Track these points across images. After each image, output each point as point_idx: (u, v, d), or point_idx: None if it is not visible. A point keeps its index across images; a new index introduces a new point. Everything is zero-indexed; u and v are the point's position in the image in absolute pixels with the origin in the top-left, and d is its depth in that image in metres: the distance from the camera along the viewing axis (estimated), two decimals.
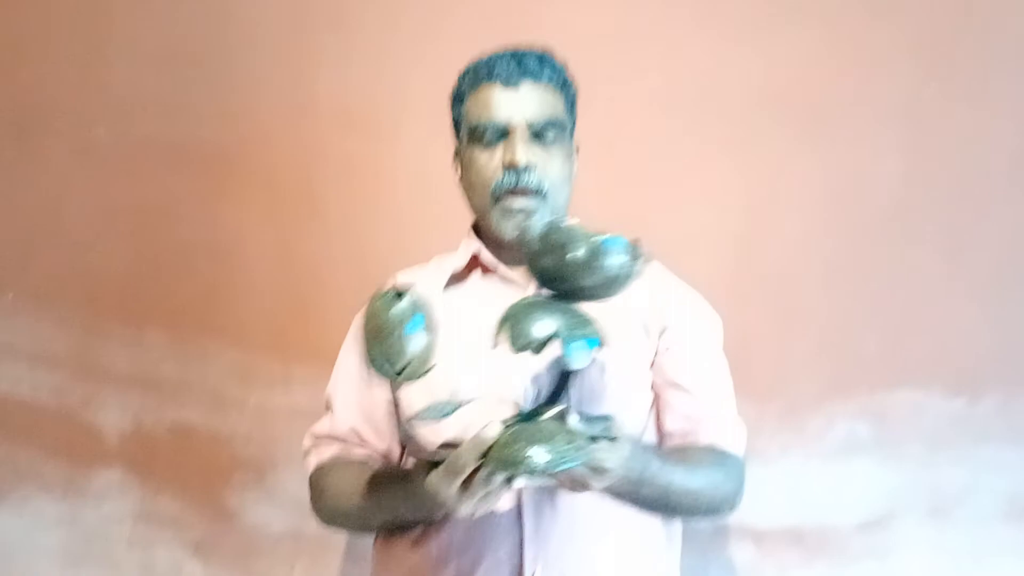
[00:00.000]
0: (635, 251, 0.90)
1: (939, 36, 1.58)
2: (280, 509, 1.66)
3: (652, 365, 1.17)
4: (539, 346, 0.89)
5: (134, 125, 1.74)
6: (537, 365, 1.05)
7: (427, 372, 0.91)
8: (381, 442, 1.21)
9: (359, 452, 1.21)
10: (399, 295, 0.91)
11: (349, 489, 1.14)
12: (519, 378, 1.08)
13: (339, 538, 1.63)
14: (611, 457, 0.90)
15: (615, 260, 0.89)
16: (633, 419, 1.12)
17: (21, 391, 1.72)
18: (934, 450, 1.55)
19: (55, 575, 1.70)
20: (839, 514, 1.56)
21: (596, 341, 0.90)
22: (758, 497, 1.43)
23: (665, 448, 1.16)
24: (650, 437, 1.18)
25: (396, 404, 1.19)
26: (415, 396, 1.12)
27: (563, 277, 0.91)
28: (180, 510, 1.68)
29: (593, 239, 0.89)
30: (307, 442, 1.26)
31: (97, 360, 1.71)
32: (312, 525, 1.58)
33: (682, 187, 1.63)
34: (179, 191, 1.73)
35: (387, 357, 0.89)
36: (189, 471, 1.68)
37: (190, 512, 1.68)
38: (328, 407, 1.25)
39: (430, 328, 0.91)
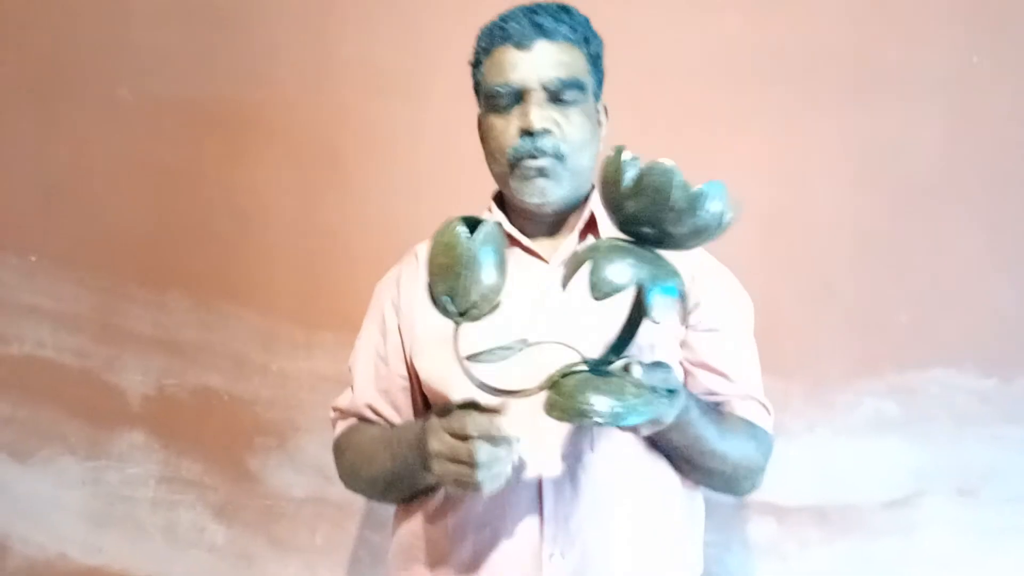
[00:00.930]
0: (732, 201, 0.83)
1: (986, 8, 1.53)
2: (302, 474, 1.66)
3: (682, 344, 1.14)
4: (615, 292, 0.81)
5: (157, 86, 1.72)
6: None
7: (492, 311, 0.87)
8: (399, 417, 1.20)
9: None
10: (471, 227, 0.86)
11: (368, 447, 1.15)
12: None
13: (360, 504, 1.64)
14: (671, 412, 0.91)
15: (714, 208, 0.81)
16: None
17: (45, 352, 1.72)
18: (963, 429, 1.54)
19: (79, 535, 1.71)
20: (864, 492, 1.55)
21: (678, 291, 0.85)
22: (782, 473, 1.42)
23: (706, 403, 1.13)
24: None
25: (411, 378, 1.18)
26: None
27: (654, 222, 0.83)
28: (202, 473, 1.69)
29: (691, 186, 0.81)
30: (332, 415, 1.27)
31: (120, 322, 1.71)
32: (334, 491, 1.63)
33: (710, 156, 1.59)
34: (202, 153, 1.71)
35: (453, 295, 0.85)
36: (211, 435, 1.69)
37: (212, 475, 1.69)
38: (350, 380, 1.24)
39: (500, 266, 0.87)
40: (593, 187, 1.20)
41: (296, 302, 1.67)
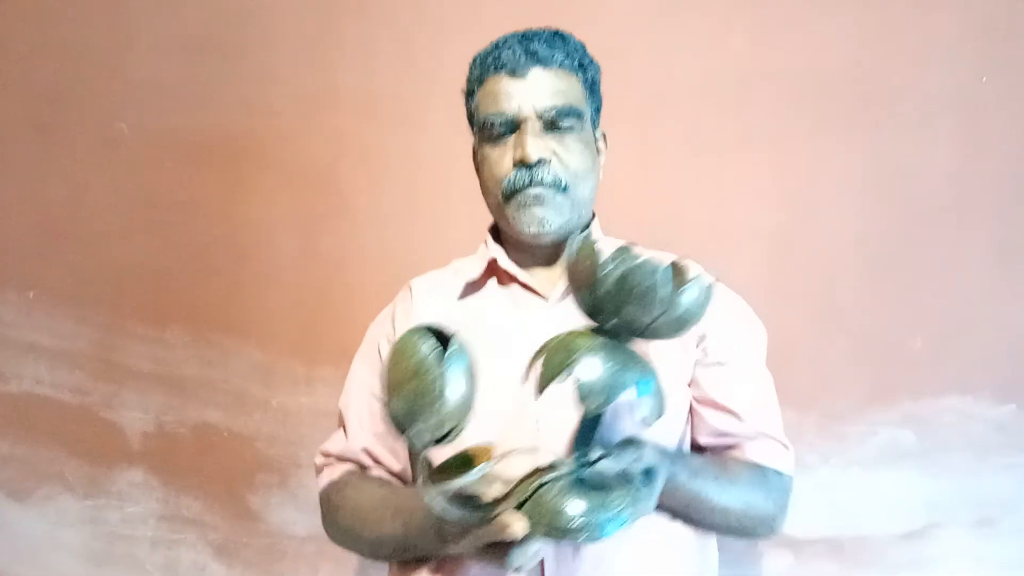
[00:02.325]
0: (710, 285, 0.77)
1: (995, 27, 1.51)
2: (303, 512, 1.63)
3: (691, 382, 1.10)
4: (607, 402, 0.76)
5: (156, 118, 1.71)
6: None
7: (459, 434, 0.78)
8: (396, 462, 1.14)
9: (373, 473, 1.14)
10: (435, 337, 0.77)
11: (370, 509, 1.06)
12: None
13: None
14: (650, 499, 0.85)
15: (699, 297, 0.76)
16: (664, 443, 1.03)
17: (43, 389, 1.70)
18: (981, 459, 1.50)
19: (78, 575, 1.68)
20: (880, 524, 1.51)
21: (651, 386, 0.79)
22: (797, 506, 1.37)
23: (701, 457, 1.09)
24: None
25: None
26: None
27: (635, 321, 0.76)
28: (202, 511, 1.66)
29: (660, 267, 0.74)
30: (319, 460, 1.19)
31: (119, 359, 1.69)
32: None
33: (718, 180, 1.58)
34: (201, 186, 1.69)
35: (421, 423, 0.75)
36: (211, 472, 1.66)
37: (212, 513, 1.66)
38: (340, 423, 1.18)
39: (469, 377, 0.77)
40: (594, 216, 1.17)
41: (296, 336, 1.65)
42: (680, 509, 1.01)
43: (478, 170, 1.14)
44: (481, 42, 1.16)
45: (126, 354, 1.69)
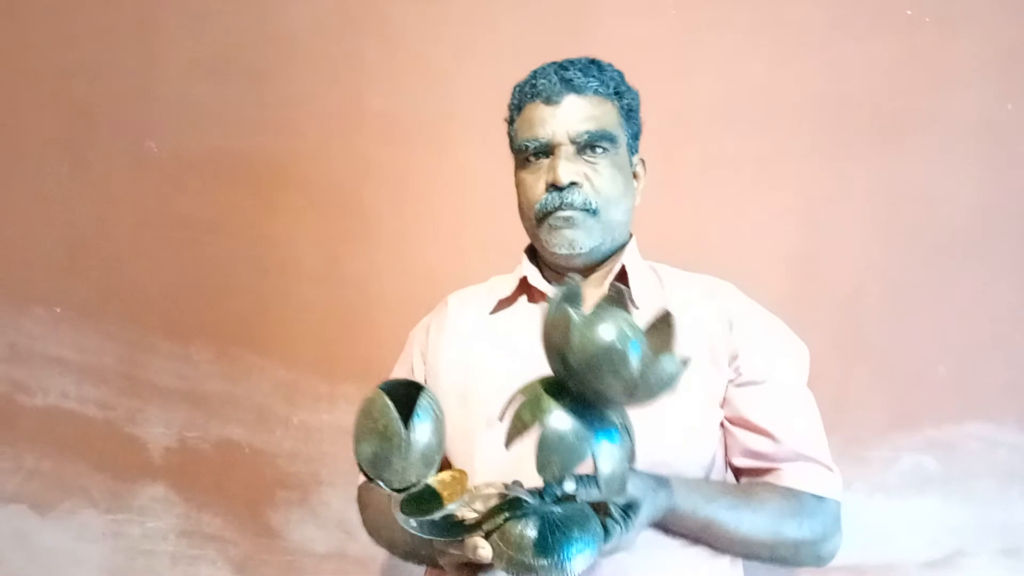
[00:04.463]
0: (684, 362, 0.73)
1: (1020, 53, 1.51)
2: (323, 529, 1.64)
3: (723, 402, 1.09)
4: (545, 464, 0.75)
5: (184, 139, 1.74)
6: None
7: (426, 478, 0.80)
8: None
9: None
10: (408, 388, 0.79)
11: (385, 507, 1.09)
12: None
13: (382, 560, 1.61)
14: (632, 527, 0.86)
15: (659, 376, 0.72)
16: (692, 464, 1.05)
17: (68, 404, 1.72)
18: (1006, 486, 1.48)
19: None
20: (903, 551, 1.49)
21: (614, 437, 0.77)
22: None
23: (723, 484, 1.08)
24: (718, 473, 1.10)
25: None
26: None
27: (586, 385, 0.74)
28: (223, 527, 1.67)
29: (631, 350, 0.71)
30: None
31: (143, 374, 1.70)
32: (356, 546, 1.60)
33: (740, 203, 1.58)
34: (227, 205, 1.72)
35: (386, 473, 0.78)
36: (233, 488, 1.67)
37: (233, 529, 1.66)
38: None
39: (437, 430, 0.79)
40: (631, 237, 1.19)
41: (319, 353, 1.66)
42: (696, 536, 1.00)
43: (517, 194, 1.17)
44: (506, 68, 1.19)
45: (151, 370, 1.70)
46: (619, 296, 0.79)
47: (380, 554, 1.57)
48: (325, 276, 1.68)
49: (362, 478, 1.21)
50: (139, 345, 1.71)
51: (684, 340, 0.89)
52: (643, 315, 0.88)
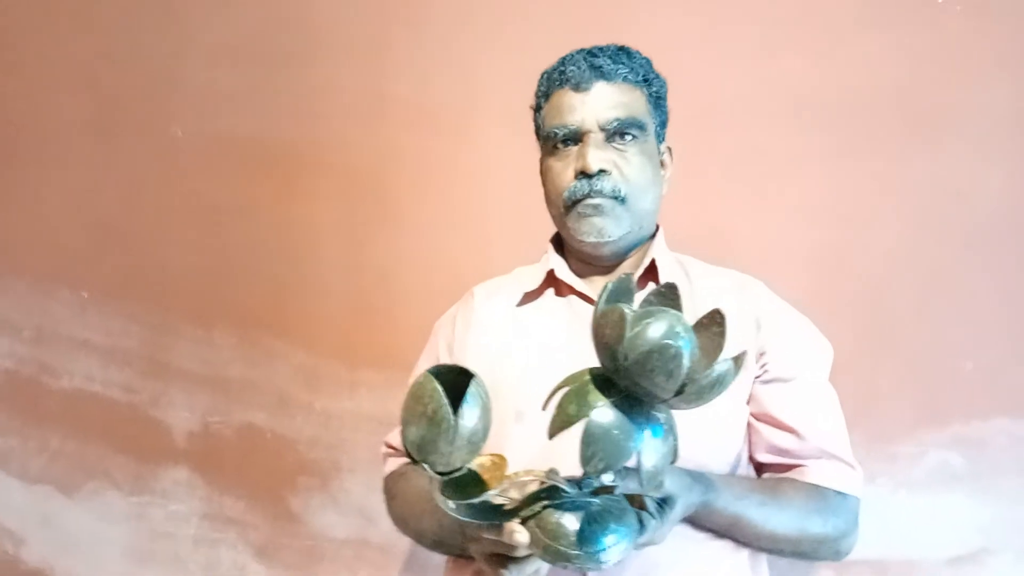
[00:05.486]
0: (740, 356, 0.74)
1: None
2: (344, 515, 1.64)
3: (749, 399, 1.09)
4: (590, 457, 0.74)
5: (209, 124, 1.74)
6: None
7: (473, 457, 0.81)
8: None
9: None
10: (457, 375, 0.79)
11: (415, 502, 1.11)
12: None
13: (402, 547, 1.61)
14: (667, 523, 0.86)
15: (712, 378, 0.72)
16: (719, 460, 1.05)
17: (93, 387, 1.74)
18: None
19: (120, 571, 1.71)
20: (928, 548, 1.47)
21: (661, 431, 0.76)
22: None
23: (751, 481, 1.08)
24: (742, 469, 1.10)
25: None
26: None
27: (636, 383, 0.73)
28: (244, 511, 1.68)
29: (684, 349, 0.70)
30: (383, 449, 1.24)
31: (167, 358, 1.72)
32: (376, 532, 1.60)
33: (769, 197, 1.56)
34: (252, 190, 1.72)
35: (433, 457, 0.78)
36: (254, 473, 1.68)
37: (254, 514, 1.68)
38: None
39: (484, 414, 0.79)
40: (658, 229, 1.18)
41: (341, 340, 1.66)
42: (723, 531, 1.01)
43: (543, 182, 1.16)
44: (533, 55, 1.18)
45: (174, 354, 1.72)
46: (671, 293, 0.79)
47: (400, 540, 1.57)
48: (347, 262, 1.68)
49: (388, 468, 1.22)
50: (163, 329, 1.72)
51: None
52: None
